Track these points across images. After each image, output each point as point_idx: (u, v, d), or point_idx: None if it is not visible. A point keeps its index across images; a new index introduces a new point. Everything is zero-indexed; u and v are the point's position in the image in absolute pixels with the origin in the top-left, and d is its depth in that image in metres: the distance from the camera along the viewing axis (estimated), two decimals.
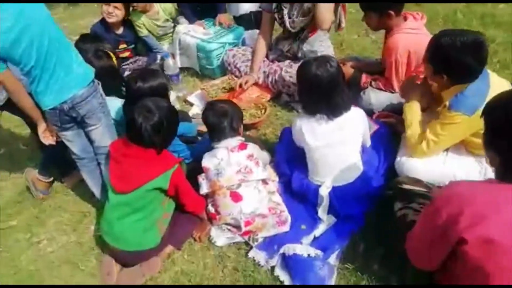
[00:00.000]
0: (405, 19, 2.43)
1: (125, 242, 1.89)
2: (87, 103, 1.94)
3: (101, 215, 2.31)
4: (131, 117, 1.81)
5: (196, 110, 3.09)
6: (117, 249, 1.92)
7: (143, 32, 3.43)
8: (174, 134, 1.98)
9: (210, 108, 2.11)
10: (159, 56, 3.43)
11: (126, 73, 3.34)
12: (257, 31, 3.43)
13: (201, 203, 2.09)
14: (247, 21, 3.57)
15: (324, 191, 2.04)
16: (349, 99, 2.00)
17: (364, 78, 2.66)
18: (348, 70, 2.72)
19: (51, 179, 2.55)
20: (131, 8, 3.31)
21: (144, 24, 3.40)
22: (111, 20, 3.18)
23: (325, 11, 2.65)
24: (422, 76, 2.20)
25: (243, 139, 2.11)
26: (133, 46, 3.48)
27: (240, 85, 2.99)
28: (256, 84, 3.11)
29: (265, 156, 2.26)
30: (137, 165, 1.83)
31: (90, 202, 2.43)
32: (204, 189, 2.08)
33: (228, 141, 2.04)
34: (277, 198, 2.15)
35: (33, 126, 2.42)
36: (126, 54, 3.48)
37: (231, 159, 2.00)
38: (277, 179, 2.28)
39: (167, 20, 3.53)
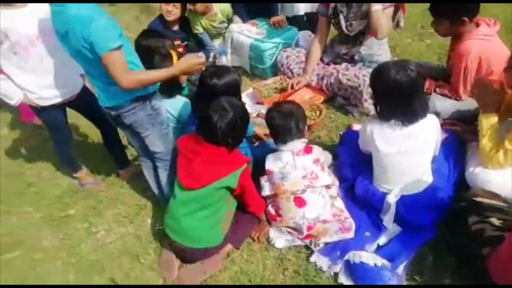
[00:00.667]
0: (477, 25, 2.33)
1: (191, 239, 1.88)
2: (133, 114, 1.95)
3: (157, 209, 2.33)
4: (206, 115, 1.80)
5: (248, 109, 3.06)
6: (180, 245, 1.91)
7: (199, 30, 3.45)
8: (245, 133, 1.96)
9: (276, 109, 2.07)
10: (211, 54, 3.42)
11: None
12: (310, 32, 3.41)
13: (262, 204, 2.07)
14: (301, 22, 3.52)
15: (392, 199, 1.97)
16: (427, 105, 1.93)
17: (428, 83, 2.57)
18: None
19: (82, 170, 2.60)
20: (187, 8, 3.33)
21: (201, 23, 3.41)
22: (170, 18, 3.22)
23: (377, 20, 2.57)
24: (495, 81, 2.09)
25: (307, 140, 2.06)
26: (186, 43, 3.50)
27: (292, 86, 2.95)
28: (308, 86, 3.07)
29: (328, 158, 2.21)
30: (208, 163, 1.82)
31: (145, 195, 2.45)
32: (266, 191, 2.05)
33: (293, 143, 1.98)
34: (340, 203, 2.10)
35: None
36: (179, 50, 3.49)
37: (296, 163, 1.95)
38: (337, 183, 2.22)
39: (223, 21, 3.54)
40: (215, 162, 1.82)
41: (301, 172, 1.95)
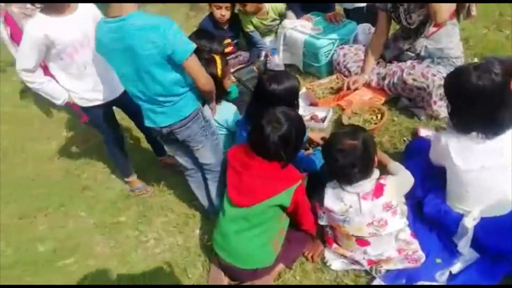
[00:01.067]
0: None
1: (240, 258, 1.77)
2: (187, 129, 1.87)
3: (205, 220, 2.25)
4: (259, 125, 1.66)
5: (300, 112, 2.86)
6: (229, 264, 1.80)
7: (250, 28, 3.31)
8: (300, 148, 1.79)
9: (337, 145, 1.61)
10: (263, 53, 3.27)
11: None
12: (370, 26, 3.12)
13: (316, 223, 1.89)
14: (360, 14, 3.24)
15: (470, 223, 1.70)
16: None
17: None
18: None
19: (134, 175, 2.59)
20: (237, 7, 3.21)
21: (251, 21, 3.27)
22: (223, 21, 3.14)
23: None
24: None
25: (377, 176, 1.69)
26: (236, 41, 3.38)
27: (348, 86, 2.72)
28: (368, 86, 2.81)
29: (406, 184, 1.77)
30: (260, 179, 1.68)
31: (194, 204, 2.38)
32: (323, 222, 1.85)
33: (359, 185, 1.65)
34: (407, 234, 1.81)
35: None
36: (229, 49, 3.37)
37: (362, 208, 1.65)
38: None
39: (275, 19, 3.36)
40: (267, 177, 1.68)
41: (368, 219, 1.67)
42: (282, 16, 3.39)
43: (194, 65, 1.73)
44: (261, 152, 1.67)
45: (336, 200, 1.70)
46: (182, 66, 1.73)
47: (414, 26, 2.50)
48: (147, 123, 1.90)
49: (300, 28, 3.19)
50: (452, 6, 2.36)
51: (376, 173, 1.67)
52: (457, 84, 1.64)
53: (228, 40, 3.29)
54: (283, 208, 1.73)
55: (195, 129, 1.88)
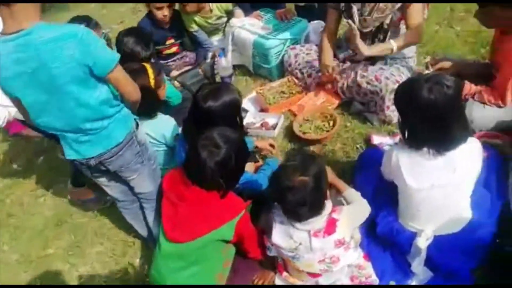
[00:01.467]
0: None
1: None
2: (120, 158, 1.62)
3: (146, 247, 2.03)
4: (193, 150, 1.45)
5: (250, 118, 2.70)
6: None
7: (194, 28, 3.07)
8: (242, 173, 1.60)
9: (286, 179, 1.40)
10: (209, 54, 3.04)
11: (174, 72, 3.02)
12: (322, 23, 2.97)
13: (265, 249, 1.72)
14: (312, 10, 3.08)
15: (423, 243, 1.61)
16: (468, 127, 1.52)
17: (468, 88, 2.13)
18: None
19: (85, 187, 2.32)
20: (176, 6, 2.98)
21: (194, 21, 3.03)
22: (166, 20, 2.89)
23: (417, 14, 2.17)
24: None
25: (330, 209, 1.50)
26: (180, 41, 3.12)
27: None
28: (322, 87, 2.67)
29: (362, 214, 1.62)
30: (197, 212, 1.49)
31: (134, 229, 2.13)
32: (272, 253, 1.67)
33: (310, 222, 1.47)
34: (360, 259, 1.67)
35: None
36: (173, 49, 3.13)
37: (313, 246, 1.47)
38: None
39: (221, 16, 3.13)
40: (205, 210, 1.48)
41: (319, 256, 1.50)
42: (229, 14, 3.18)
43: (120, 77, 1.52)
44: (197, 181, 1.47)
45: (285, 236, 1.52)
46: (106, 79, 1.49)
47: (367, 30, 2.37)
48: (70, 155, 1.60)
49: (249, 27, 2.99)
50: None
51: (328, 206, 1.49)
52: (407, 97, 1.51)
53: (171, 40, 3.06)
54: (226, 241, 1.54)
55: (129, 156, 1.64)
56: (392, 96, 2.24)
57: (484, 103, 2.08)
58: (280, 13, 3.01)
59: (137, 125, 1.70)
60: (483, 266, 1.63)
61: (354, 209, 1.60)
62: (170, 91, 2.48)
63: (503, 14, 1.86)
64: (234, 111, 1.74)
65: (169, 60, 3.17)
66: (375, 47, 2.25)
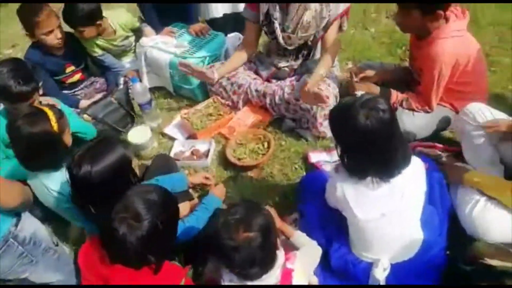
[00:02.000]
0: (446, 19, 1.88)
1: None
2: None
3: None
4: (108, 226, 1.18)
5: (178, 147, 2.45)
6: None
7: (97, 52, 2.71)
8: (175, 237, 1.35)
9: (224, 237, 1.21)
10: (121, 79, 2.71)
11: (83, 102, 2.64)
12: (240, 35, 2.81)
13: None
14: (222, 25, 2.89)
15: (381, 275, 1.52)
16: (408, 150, 1.46)
17: (395, 96, 2.12)
18: (372, 89, 2.17)
19: None
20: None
21: (97, 44, 2.67)
22: (61, 44, 2.49)
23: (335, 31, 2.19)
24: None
25: (282, 259, 1.33)
26: (83, 66, 2.74)
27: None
28: (249, 103, 2.51)
29: (315, 258, 1.51)
30: None
31: None
32: None
33: (263, 279, 1.28)
34: None
35: None
36: (77, 77, 2.75)
37: None
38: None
39: (128, 36, 2.81)
40: None
41: None
42: (136, 31, 2.87)
43: None
44: (119, 260, 1.21)
45: None
46: None
47: (292, 47, 2.26)
48: None
49: (162, 46, 2.71)
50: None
51: (280, 256, 1.32)
52: (342, 126, 1.40)
53: (72, 67, 2.67)
54: None
55: (9, 262, 1.34)
56: (324, 112, 2.19)
57: (412, 109, 2.09)
58: (194, 29, 2.78)
59: (18, 221, 1.37)
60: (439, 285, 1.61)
61: (306, 254, 1.46)
62: (80, 125, 2.19)
63: (423, 19, 1.86)
64: (123, 170, 1.44)
65: (76, 90, 2.79)
66: (313, 82, 2.15)
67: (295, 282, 1.32)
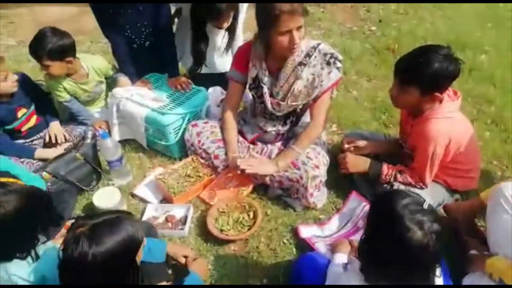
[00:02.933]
0: (440, 100, 1.87)
1: None
2: None
3: None
4: None
5: (151, 212, 2.18)
6: None
7: (64, 97, 2.44)
8: None
9: None
10: (89, 132, 2.42)
11: (39, 151, 2.34)
12: (222, 90, 2.67)
13: None
14: (208, 78, 2.75)
15: None
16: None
17: (386, 169, 2.04)
18: (363, 165, 2.09)
19: None
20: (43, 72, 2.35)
21: (64, 88, 2.41)
22: (15, 87, 2.21)
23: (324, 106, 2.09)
24: None
25: None
26: (34, 106, 2.43)
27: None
28: (230, 170, 2.31)
29: None
30: None
31: None
32: None
33: None
34: None
35: None
36: (33, 121, 2.44)
37: None
38: None
39: (101, 82, 2.57)
40: None
41: None
42: (109, 79, 2.64)
43: None
44: None
45: None
46: None
47: (281, 114, 2.14)
48: None
49: (138, 98, 2.49)
50: None
51: None
52: (391, 233, 1.18)
53: (24, 110, 2.38)
54: None
55: None
56: (315, 182, 2.05)
57: (408, 184, 2.01)
58: (174, 83, 2.60)
59: None
60: None
61: None
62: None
63: (420, 98, 1.82)
64: (131, 250, 1.21)
65: (34, 138, 2.47)
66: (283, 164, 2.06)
67: None
